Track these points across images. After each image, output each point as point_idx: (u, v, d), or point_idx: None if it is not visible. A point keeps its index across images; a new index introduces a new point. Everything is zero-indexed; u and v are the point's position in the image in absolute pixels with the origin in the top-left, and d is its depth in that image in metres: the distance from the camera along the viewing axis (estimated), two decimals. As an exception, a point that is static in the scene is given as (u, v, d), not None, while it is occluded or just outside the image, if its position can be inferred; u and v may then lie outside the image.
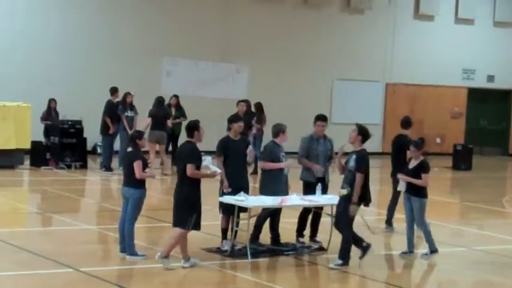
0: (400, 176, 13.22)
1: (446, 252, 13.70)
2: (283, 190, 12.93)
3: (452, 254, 13.98)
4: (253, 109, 23.41)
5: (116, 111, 22.27)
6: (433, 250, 13.06)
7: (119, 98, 22.53)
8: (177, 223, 11.54)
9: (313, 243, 13.54)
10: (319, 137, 13.55)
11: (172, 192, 11.74)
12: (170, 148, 23.53)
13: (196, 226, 11.60)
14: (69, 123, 22.93)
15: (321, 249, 13.28)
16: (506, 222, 18.29)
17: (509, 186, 26.62)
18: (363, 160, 11.99)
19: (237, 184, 12.57)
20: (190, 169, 11.35)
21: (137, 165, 11.87)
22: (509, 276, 12.93)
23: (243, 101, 21.85)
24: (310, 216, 13.68)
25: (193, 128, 11.66)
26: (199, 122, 11.85)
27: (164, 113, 22.42)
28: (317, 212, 13.54)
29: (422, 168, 13.04)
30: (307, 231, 13.71)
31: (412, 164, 13.14)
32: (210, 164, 11.85)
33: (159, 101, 22.41)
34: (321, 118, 13.59)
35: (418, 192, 13.07)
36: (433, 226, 13.51)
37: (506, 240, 15.50)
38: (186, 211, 11.44)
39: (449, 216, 18.43)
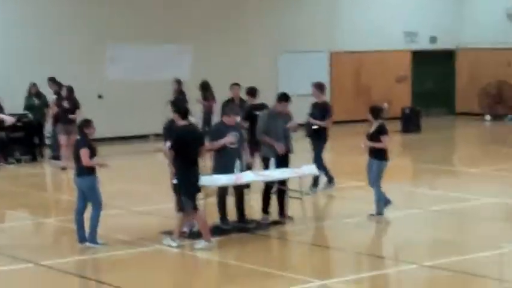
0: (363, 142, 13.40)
1: (402, 215, 13.88)
2: (233, 165, 12.65)
3: (408, 216, 14.16)
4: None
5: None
6: (380, 212, 13.35)
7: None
8: None
9: (283, 219, 13.44)
10: (277, 113, 13.60)
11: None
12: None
13: None
14: (16, 116, 22.58)
15: (278, 223, 13.31)
16: (458, 181, 18.55)
17: (458, 145, 26.98)
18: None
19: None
20: None
21: (84, 153, 11.86)
22: (467, 233, 13.19)
23: (236, 84, 18.61)
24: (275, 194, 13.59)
25: None
26: None
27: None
28: (281, 188, 13.51)
29: (382, 131, 13.23)
30: (275, 208, 13.54)
31: (372, 129, 13.35)
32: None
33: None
34: (286, 99, 13.58)
35: (378, 155, 13.27)
36: (387, 189, 13.64)
37: (459, 198, 15.71)
38: None
39: (402, 178, 18.59)
